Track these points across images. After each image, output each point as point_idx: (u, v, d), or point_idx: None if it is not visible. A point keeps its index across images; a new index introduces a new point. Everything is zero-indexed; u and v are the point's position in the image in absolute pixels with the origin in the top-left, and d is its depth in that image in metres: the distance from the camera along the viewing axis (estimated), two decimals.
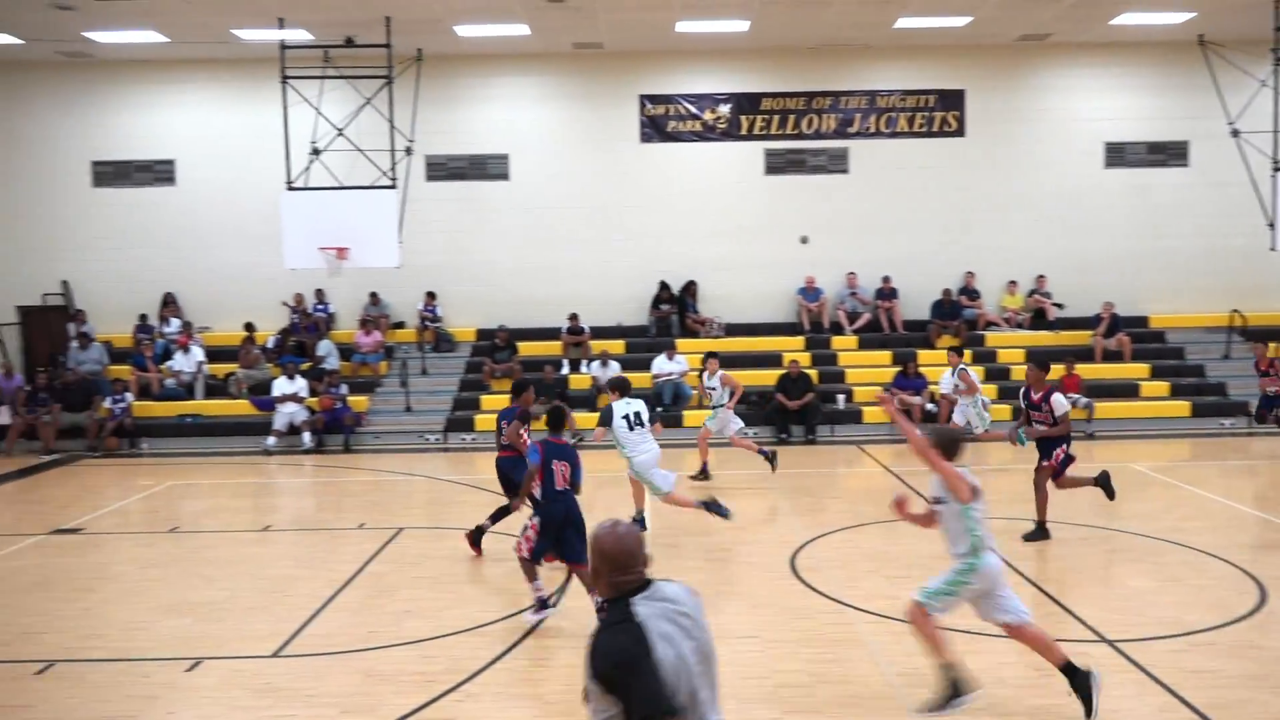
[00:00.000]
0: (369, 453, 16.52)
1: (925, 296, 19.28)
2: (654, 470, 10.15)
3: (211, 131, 19.40)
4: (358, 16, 15.92)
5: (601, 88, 19.49)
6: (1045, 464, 10.06)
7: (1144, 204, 19.53)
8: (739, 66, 19.41)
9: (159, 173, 19.62)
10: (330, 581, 8.86)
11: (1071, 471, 10.16)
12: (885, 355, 18.57)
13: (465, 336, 19.53)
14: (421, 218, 18.21)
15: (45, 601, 8.63)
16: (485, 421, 16.63)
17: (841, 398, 17.54)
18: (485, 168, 19.59)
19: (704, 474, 13.32)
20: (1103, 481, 10.21)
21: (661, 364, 17.50)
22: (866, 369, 18.33)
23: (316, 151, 16.72)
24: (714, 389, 13.47)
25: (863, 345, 18.98)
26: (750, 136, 19.59)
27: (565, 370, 18.29)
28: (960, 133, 19.57)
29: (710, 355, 13.99)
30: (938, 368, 17.42)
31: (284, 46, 16.53)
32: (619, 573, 3.17)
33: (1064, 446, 10.02)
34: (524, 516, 8.35)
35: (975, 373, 16.79)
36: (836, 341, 19.09)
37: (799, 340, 19.06)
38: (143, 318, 19.19)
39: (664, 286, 19.41)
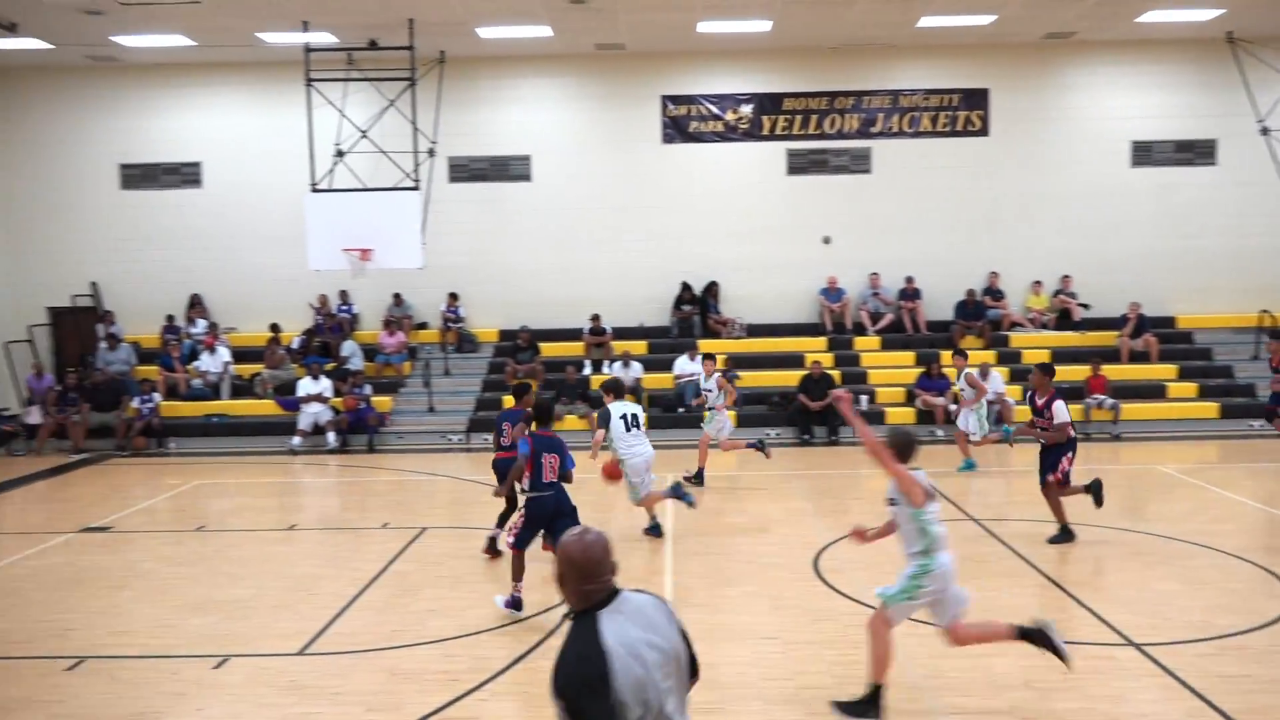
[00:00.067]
0: (392, 453, 16.61)
1: (949, 297, 19.17)
2: (645, 474, 10.28)
3: (237, 134, 19.59)
4: (381, 19, 16.02)
5: (623, 88, 19.51)
6: (1051, 478, 9.87)
7: (1171, 203, 19.33)
8: (761, 66, 19.37)
9: (186, 175, 19.83)
10: (354, 580, 8.92)
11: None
12: (908, 356, 18.48)
13: (488, 337, 19.61)
14: (444, 219, 18.29)
15: (75, 598, 8.74)
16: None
17: (864, 399, 17.47)
18: (507, 169, 19.66)
19: (699, 478, 13.13)
20: (1094, 489, 9.98)
21: (684, 365, 17.49)
22: (889, 370, 18.26)
23: (340, 153, 16.86)
24: (710, 391, 13.41)
25: (885, 346, 18.90)
26: (772, 137, 19.55)
27: (587, 371, 18.32)
28: (984, 132, 19.45)
29: (707, 357, 14.05)
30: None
31: (308, 49, 16.67)
32: (586, 581, 3.15)
33: (1069, 456, 9.86)
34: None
35: (999, 374, 16.75)
36: (859, 342, 19.02)
37: (821, 341, 19.00)
38: (170, 319, 19.39)
39: (686, 287, 19.41)
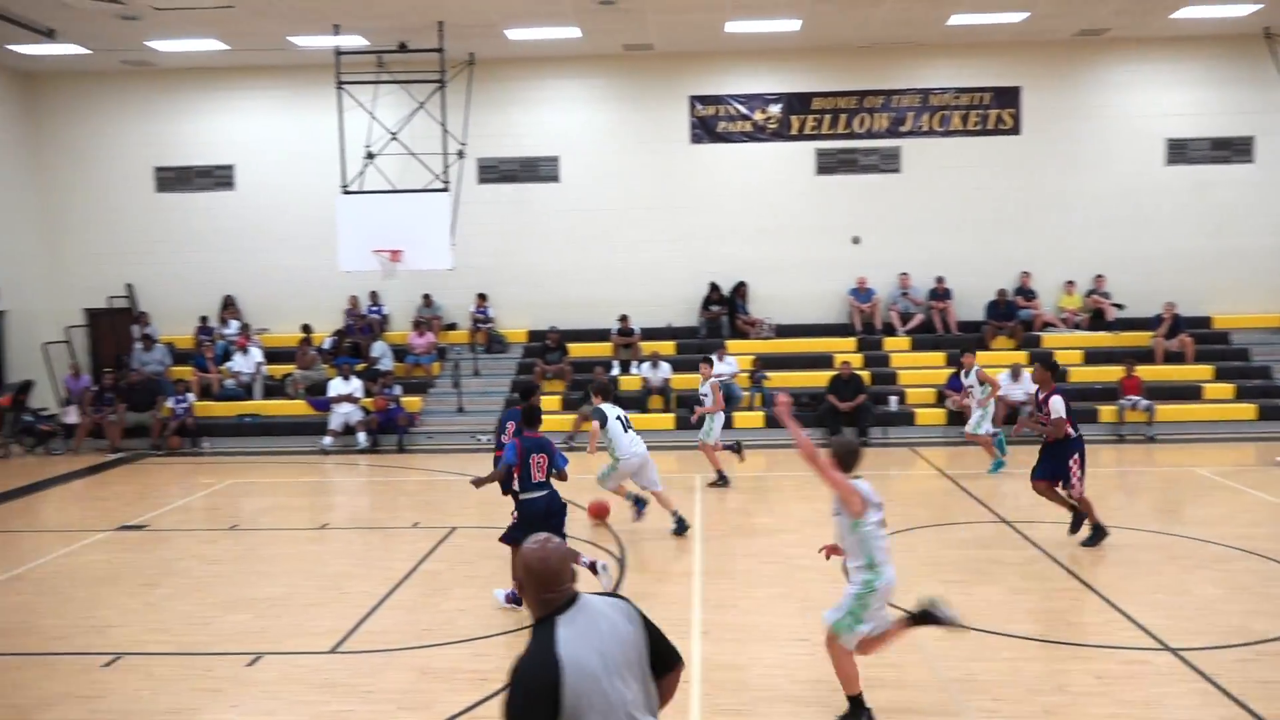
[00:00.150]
0: (422, 453, 16.72)
1: (980, 297, 19.01)
2: (643, 470, 10.52)
3: (269, 137, 19.81)
4: (411, 22, 16.13)
5: (651, 89, 19.52)
6: (1069, 487, 9.66)
7: (1207, 201, 19.05)
8: (790, 66, 19.31)
9: (219, 178, 20.07)
10: (385, 579, 8.99)
11: (1060, 490, 9.83)
12: (939, 356, 18.35)
13: (516, 338, 19.69)
14: (473, 220, 18.40)
15: (112, 595, 8.87)
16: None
17: (894, 399, 17.37)
18: (536, 170, 19.72)
19: (723, 480, 13.13)
20: (1077, 524, 9.75)
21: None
22: (919, 370, 18.14)
23: (371, 155, 17.01)
24: (706, 395, 13.39)
25: (915, 346, 18.78)
26: (801, 136, 19.48)
27: (616, 371, 18.34)
28: (1016, 130, 19.27)
29: (704, 359, 14.05)
30: (992, 369, 17.17)
31: (339, 53, 16.83)
32: (544, 590, 3.25)
33: (1076, 458, 9.65)
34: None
35: (1027, 372, 16.59)
36: (889, 343, 18.91)
37: (850, 341, 18.91)
38: (203, 320, 19.63)
39: (714, 288, 19.38)
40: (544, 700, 3.06)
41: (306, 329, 19.16)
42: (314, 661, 7.14)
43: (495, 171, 19.64)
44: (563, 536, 8.27)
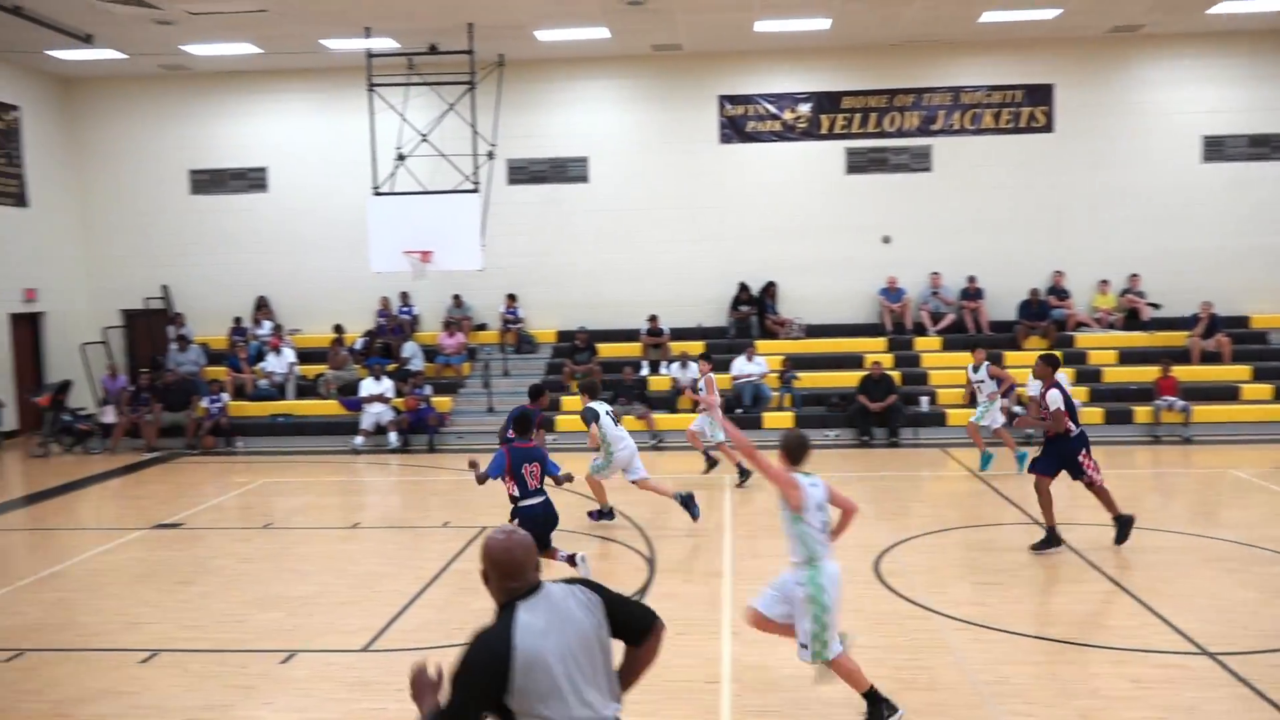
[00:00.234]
0: (453, 452, 16.80)
1: (1012, 296, 18.83)
2: (630, 465, 10.75)
3: (302, 139, 20.01)
4: (441, 24, 16.23)
5: (680, 89, 19.51)
6: (1086, 479, 9.48)
7: (1245, 199, 18.76)
8: (819, 65, 19.24)
9: (252, 180, 20.30)
10: (417, 578, 9.05)
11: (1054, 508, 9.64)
12: (970, 357, 18.12)
13: (546, 338, 19.75)
14: (503, 221, 18.49)
15: (149, 593, 8.99)
16: (566, 422, 16.80)
17: (925, 400, 17.25)
18: (565, 170, 19.78)
19: (745, 475, 13.19)
20: (1126, 522, 9.54)
21: (741, 365, 17.44)
22: (950, 370, 17.97)
23: (401, 157, 17.13)
24: (702, 390, 13.62)
25: (947, 346, 18.63)
26: (831, 136, 19.40)
27: (645, 372, 18.35)
28: (1049, 128, 19.07)
29: (703, 357, 14.20)
30: (1025, 369, 16.97)
31: (370, 55, 16.96)
32: (508, 580, 3.35)
33: (1083, 453, 9.47)
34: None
35: (1065, 374, 16.40)
36: (919, 343, 18.78)
37: (881, 341, 18.79)
38: (237, 320, 19.86)
39: (743, 288, 19.34)
40: (491, 678, 3.16)
41: (338, 329, 19.33)
42: (346, 659, 7.20)
43: (525, 172, 19.71)
44: (548, 544, 8.40)
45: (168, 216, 20.37)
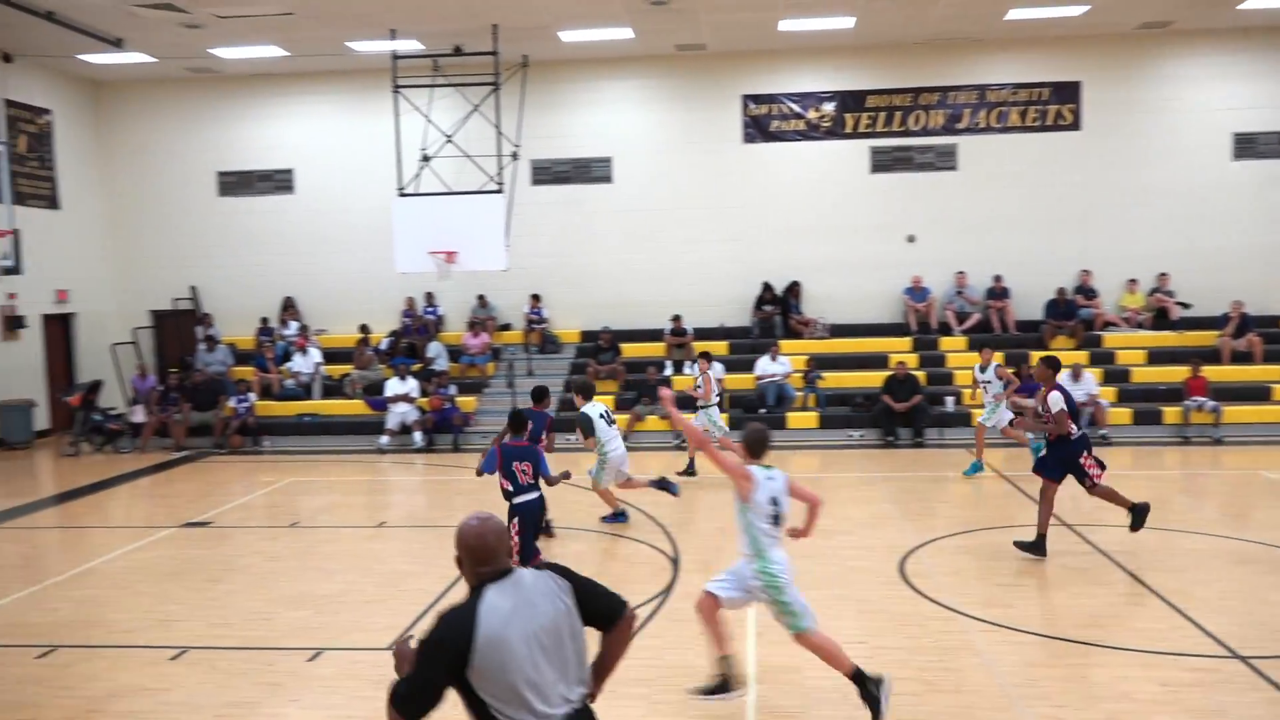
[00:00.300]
0: (477, 452, 16.79)
1: (1038, 296, 18.68)
2: (624, 465, 10.83)
3: (328, 141, 20.16)
4: (466, 25, 16.30)
5: (704, 89, 19.49)
6: (1088, 482, 9.26)
7: (1277, 196, 18.51)
8: (843, 64, 19.16)
9: (279, 182, 20.47)
10: (442, 577, 9.08)
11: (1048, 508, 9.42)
12: (996, 356, 17.99)
13: (570, 338, 19.79)
14: (527, 221, 18.53)
15: (178, 590, 9.09)
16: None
17: (950, 400, 17.14)
18: (589, 171, 19.81)
19: (690, 470, 13.53)
20: (1140, 511, 9.31)
21: (765, 365, 17.41)
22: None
23: (426, 158, 17.22)
24: (699, 388, 13.82)
25: (972, 346, 18.42)
26: (855, 135, 19.31)
27: (669, 371, 18.34)
28: (1076, 126, 18.90)
29: (702, 355, 14.35)
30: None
31: (395, 57, 17.06)
32: (479, 565, 3.44)
33: (1085, 455, 9.24)
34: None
35: (1092, 375, 16.28)
36: (944, 342, 18.66)
37: (906, 341, 18.69)
38: (264, 321, 20.03)
39: (767, 287, 19.30)
40: (452, 654, 3.25)
41: (364, 330, 19.46)
42: (373, 657, 7.24)
43: (549, 173, 19.76)
44: (550, 531, 8.67)
45: (196, 218, 20.59)
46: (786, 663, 6.90)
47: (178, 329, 20.54)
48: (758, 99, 19.44)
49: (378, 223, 18.40)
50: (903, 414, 16.49)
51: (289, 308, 20.30)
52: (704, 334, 19.04)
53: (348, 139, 19.99)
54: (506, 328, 19.94)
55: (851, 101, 19.27)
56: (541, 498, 8.56)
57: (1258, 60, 18.44)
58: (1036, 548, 9.28)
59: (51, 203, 19.20)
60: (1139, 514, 9.30)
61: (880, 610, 8.02)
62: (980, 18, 17.14)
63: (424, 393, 17.62)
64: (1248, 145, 18.61)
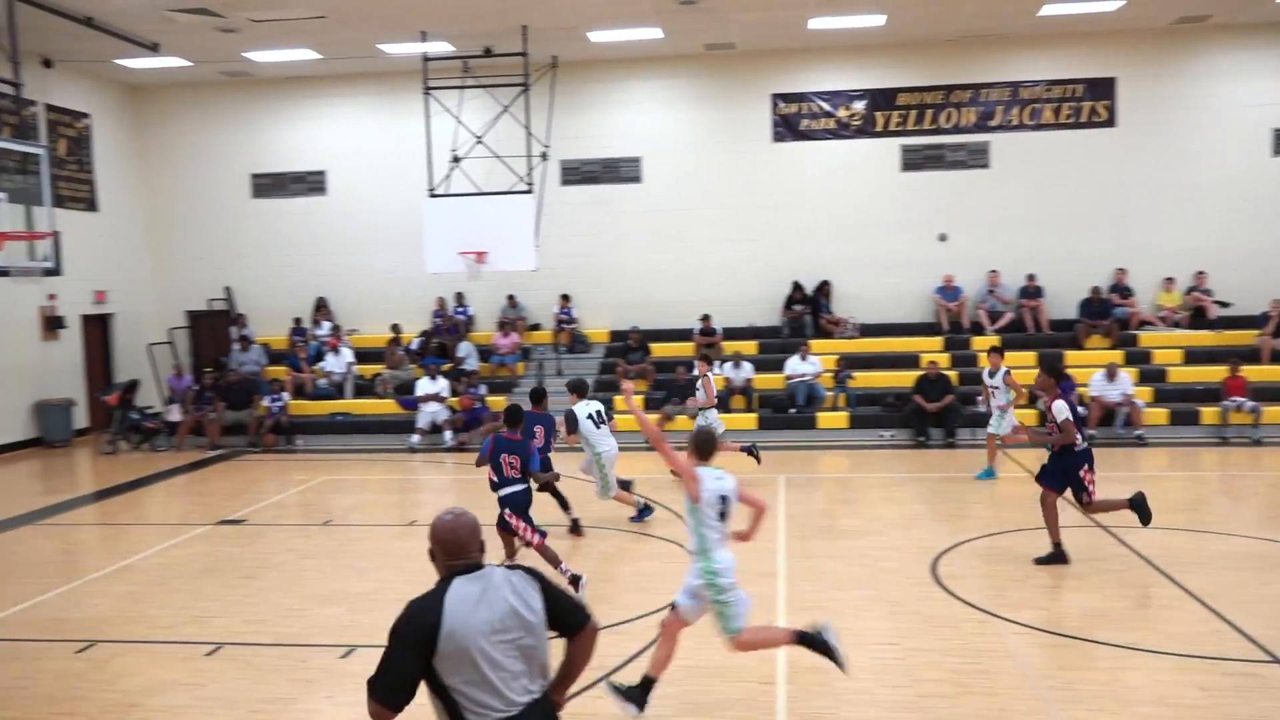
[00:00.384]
0: None
1: (1073, 295, 18.46)
2: (612, 469, 10.89)
3: (359, 143, 20.33)
4: (496, 27, 16.37)
5: (733, 88, 19.45)
6: (1085, 496, 9.05)
7: None
8: (874, 62, 19.04)
9: (311, 183, 20.68)
10: None
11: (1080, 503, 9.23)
12: (1029, 356, 17.80)
13: (599, 338, 19.82)
14: (556, 221, 18.58)
15: (213, 587, 9.20)
16: (620, 421, 16.80)
17: (982, 400, 16.94)
18: (618, 171, 19.83)
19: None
20: (1138, 503, 9.08)
21: (795, 365, 17.35)
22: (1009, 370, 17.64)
23: (457, 159, 17.30)
24: (699, 390, 13.73)
25: (1006, 346, 18.23)
26: (886, 133, 19.19)
27: (697, 371, 18.27)
28: (1111, 123, 18.66)
29: (702, 357, 14.30)
30: (1086, 369, 16.69)
31: (426, 59, 17.16)
32: (451, 558, 3.55)
33: (1086, 468, 9.03)
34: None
35: (1128, 375, 16.07)
36: (977, 342, 18.47)
37: (937, 341, 18.55)
38: (297, 321, 20.24)
39: (797, 287, 19.22)
40: (419, 639, 3.34)
41: (395, 330, 19.60)
42: None
43: (578, 173, 19.80)
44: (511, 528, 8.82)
45: (230, 220, 20.84)
46: (817, 663, 6.86)
47: (213, 329, 20.80)
48: (787, 98, 19.37)
49: (408, 223, 18.55)
50: (934, 414, 16.36)
51: (321, 308, 20.49)
52: (733, 334, 19.00)
53: (379, 140, 20.15)
54: (536, 327, 20.00)
55: (882, 99, 19.15)
56: (527, 490, 8.74)
57: None
58: (1056, 558, 9.12)
59: (90, 205, 19.52)
60: (1138, 506, 9.06)
61: (912, 612, 7.96)
62: (1012, 14, 16.97)
63: (454, 392, 17.71)
64: None
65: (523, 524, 8.69)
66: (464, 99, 17.46)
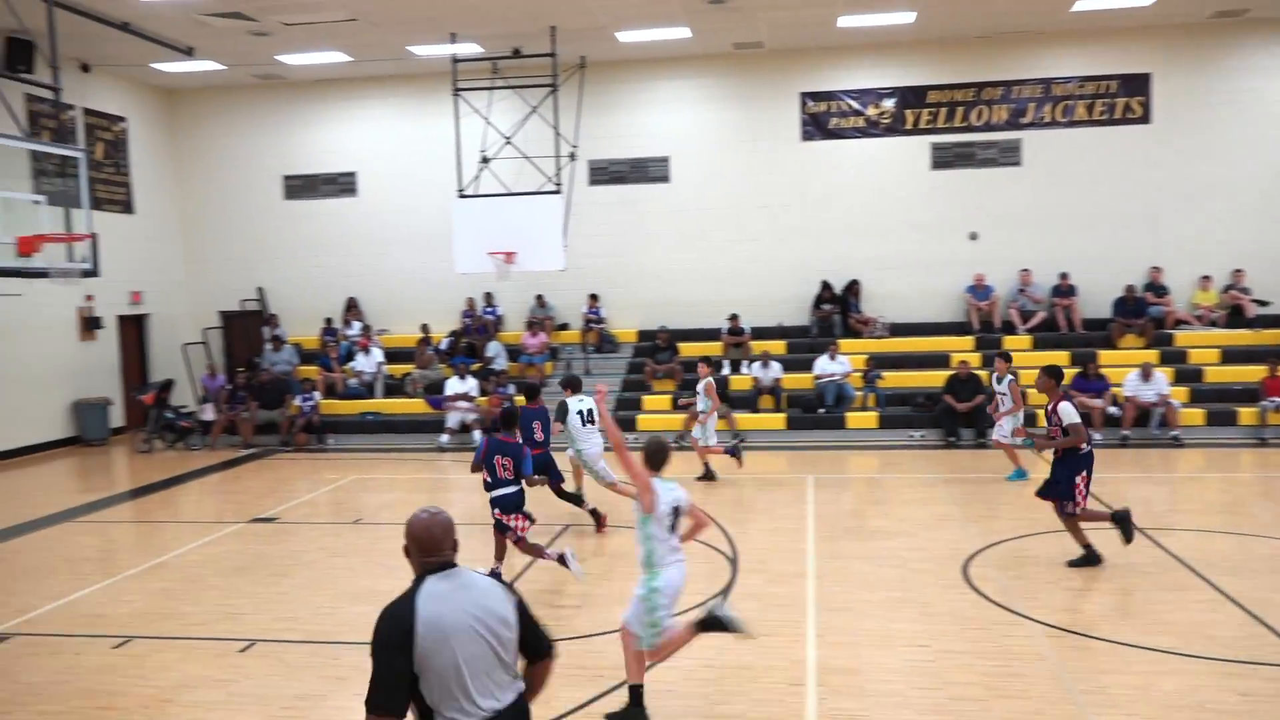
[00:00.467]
0: None
1: (1107, 293, 18.24)
2: (600, 462, 11.27)
3: (389, 144, 20.47)
4: (524, 28, 16.43)
5: (762, 87, 19.39)
6: (1070, 505, 8.86)
7: None
8: (904, 59, 18.91)
9: (342, 184, 20.85)
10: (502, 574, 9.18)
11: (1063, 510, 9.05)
12: (1063, 356, 17.62)
13: (627, 337, 19.83)
14: (584, 221, 18.62)
15: (246, 585, 9.30)
16: (647, 421, 16.86)
17: (991, 407, 16.77)
18: (646, 171, 19.83)
19: (709, 475, 13.45)
20: (1121, 519, 8.90)
21: (824, 364, 17.27)
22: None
23: (486, 160, 17.39)
24: (700, 394, 13.60)
25: (1037, 345, 18.11)
26: (916, 131, 19.05)
27: (726, 371, 18.27)
28: (1145, 119, 18.42)
29: (703, 360, 14.19)
30: (1119, 369, 16.49)
31: (455, 60, 17.25)
32: (425, 555, 3.60)
33: (1083, 476, 8.85)
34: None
35: (1164, 374, 15.85)
36: (1008, 341, 18.24)
37: (968, 340, 18.39)
38: (328, 321, 20.41)
39: (826, 286, 19.13)
40: (398, 642, 3.39)
41: (425, 330, 19.73)
42: None
43: (606, 173, 19.83)
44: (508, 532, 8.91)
45: (262, 221, 21.07)
46: (846, 664, 6.83)
47: (245, 329, 21.03)
48: (816, 96, 19.28)
49: (438, 224, 18.66)
50: (965, 414, 16.22)
51: (352, 308, 20.65)
52: (761, 333, 18.94)
53: (409, 142, 20.28)
54: (564, 327, 20.04)
55: (912, 97, 19.01)
56: (520, 492, 8.86)
57: None
58: (1089, 560, 8.98)
59: (126, 207, 19.79)
60: (1122, 522, 8.89)
61: (943, 613, 7.90)
62: (1045, 10, 16.80)
63: (483, 392, 17.79)
64: None
65: (517, 518, 8.81)
66: (493, 100, 17.54)
